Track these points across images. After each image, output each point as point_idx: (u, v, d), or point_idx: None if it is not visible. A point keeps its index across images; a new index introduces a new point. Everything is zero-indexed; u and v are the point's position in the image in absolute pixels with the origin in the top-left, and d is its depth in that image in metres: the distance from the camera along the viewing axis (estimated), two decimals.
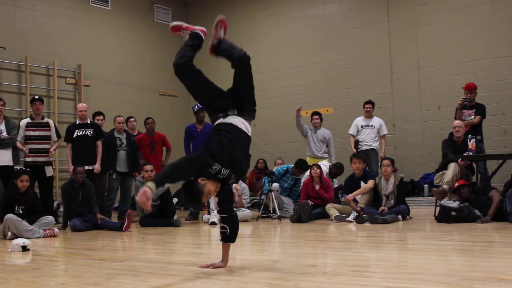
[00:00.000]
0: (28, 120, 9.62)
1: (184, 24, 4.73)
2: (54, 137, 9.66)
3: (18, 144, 9.31)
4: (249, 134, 4.42)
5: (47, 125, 9.67)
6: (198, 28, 4.66)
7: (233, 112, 4.39)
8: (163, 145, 10.94)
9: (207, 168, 4.04)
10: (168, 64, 16.04)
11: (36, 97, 9.83)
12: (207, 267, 4.52)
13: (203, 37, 4.64)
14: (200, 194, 4.06)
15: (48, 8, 12.81)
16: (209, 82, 4.48)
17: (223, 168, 4.06)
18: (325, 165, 10.16)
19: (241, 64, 4.44)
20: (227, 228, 4.46)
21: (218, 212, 4.58)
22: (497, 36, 11.45)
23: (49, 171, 9.50)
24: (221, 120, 4.42)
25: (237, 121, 4.36)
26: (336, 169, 10.22)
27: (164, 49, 15.08)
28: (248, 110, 4.46)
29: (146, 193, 3.79)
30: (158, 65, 14.94)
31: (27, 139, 9.39)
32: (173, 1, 15.48)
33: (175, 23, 4.78)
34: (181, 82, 4.59)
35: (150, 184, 3.85)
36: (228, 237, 4.49)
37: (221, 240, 4.55)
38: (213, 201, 9.35)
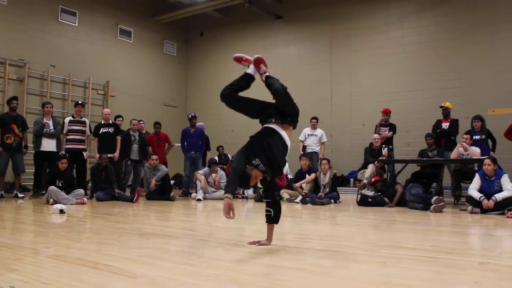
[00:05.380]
0: (70, 118, 9.60)
1: (245, 56, 4.09)
2: (87, 131, 9.61)
3: (61, 136, 9.31)
4: (288, 144, 3.78)
5: (84, 122, 9.60)
6: (254, 59, 3.97)
7: (277, 119, 3.76)
8: (166, 141, 10.87)
9: (250, 160, 3.51)
10: (172, 83, 16.21)
11: (80, 102, 9.82)
12: (254, 243, 3.82)
13: (253, 78, 3.97)
14: (249, 177, 3.49)
15: (87, 38, 12.71)
16: (251, 102, 3.88)
17: (261, 164, 3.51)
18: None
19: (277, 96, 3.72)
20: (272, 211, 3.77)
21: (263, 198, 3.86)
22: (405, 76, 11.63)
23: (84, 156, 9.45)
24: (269, 125, 3.77)
25: (280, 130, 3.72)
26: None
27: (170, 72, 15.14)
28: (290, 120, 3.82)
29: (230, 205, 3.31)
30: (164, 84, 14.94)
31: (69, 131, 9.35)
32: (177, 38, 15.41)
33: (237, 55, 4.11)
34: (227, 106, 3.92)
35: (228, 195, 3.33)
36: (272, 219, 3.80)
37: (266, 221, 3.84)
38: (199, 184, 9.32)
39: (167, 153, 10.87)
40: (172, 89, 15.22)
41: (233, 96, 3.86)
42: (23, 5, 11.30)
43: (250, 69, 3.99)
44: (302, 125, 11.19)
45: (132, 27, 13.93)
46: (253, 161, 3.50)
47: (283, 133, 3.73)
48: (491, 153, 8.51)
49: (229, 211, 3.30)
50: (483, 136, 8.62)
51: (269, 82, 3.83)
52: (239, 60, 4.10)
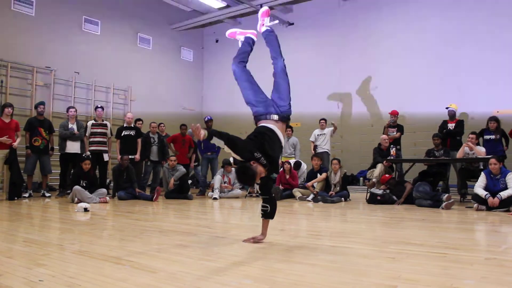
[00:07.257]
0: (93, 121, 9.71)
1: (238, 30, 4.06)
2: (109, 133, 9.69)
3: (85, 139, 9.39)
4: (282, 144, 3.70)
5: (105, 125, 9.70)
6: (250, 32, 3.99)
7: (273, 116, 3.71)
8: (190, 144, 10.84)
9: (251, 153, 3.40)
10: (189, 88, 16.20)
11: (99, 106, 9.92)
12: (249, 240, 3.76)
13: (255, 40, 3.97)
14: (255, 174, 3.36)
15: (109, 46, 12.81)
16: (257, 89, 3.81)
17: (262, 157, 3.41)
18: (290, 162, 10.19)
19: (281, 74, 3.77)
20: (268, 207, 3.71)
21: (260, 194, 3.80)
22: (412, 79, 11.48)
23: (106, 157, 9.51)
24: (264, 123, 3.69)
25: (277, 130, 3.66)
26: (295, 165, 10.10)
27: (187, 78, 15.20)
28: (285, 117, 3.78)
29: (201, 131, 3.16)
30: (182, 88, 15.00)
31: (92, 134, 9.44)
32: (194, 44, 15.48)
33: (230, 30, 4.02)
34: (237, 83, 3.84)
35: (204, 131, 3.19)
36: (268, 214, 3.75)
37: (262, 216, 3.78)
38: (216, 183, 9.33)
39: (190, 153, 10.83)
40: (189, 93, 15.28)
41: (243, 67, 3.89)
42: (50, 16, 11.46)
43: (251, 34, 4.08)
44: (314, 127, 11.21)
45: (151, 35, 14.02)
46: (255, 154, 3.41)
47: (279, 133, 3.67)
48: (505, 147, 8.44)
49: (198, 133, 3.16)
50: (498, 136, 8.48)
51: (275, 46, 3.97)
52: (233, 35, 4.12)
